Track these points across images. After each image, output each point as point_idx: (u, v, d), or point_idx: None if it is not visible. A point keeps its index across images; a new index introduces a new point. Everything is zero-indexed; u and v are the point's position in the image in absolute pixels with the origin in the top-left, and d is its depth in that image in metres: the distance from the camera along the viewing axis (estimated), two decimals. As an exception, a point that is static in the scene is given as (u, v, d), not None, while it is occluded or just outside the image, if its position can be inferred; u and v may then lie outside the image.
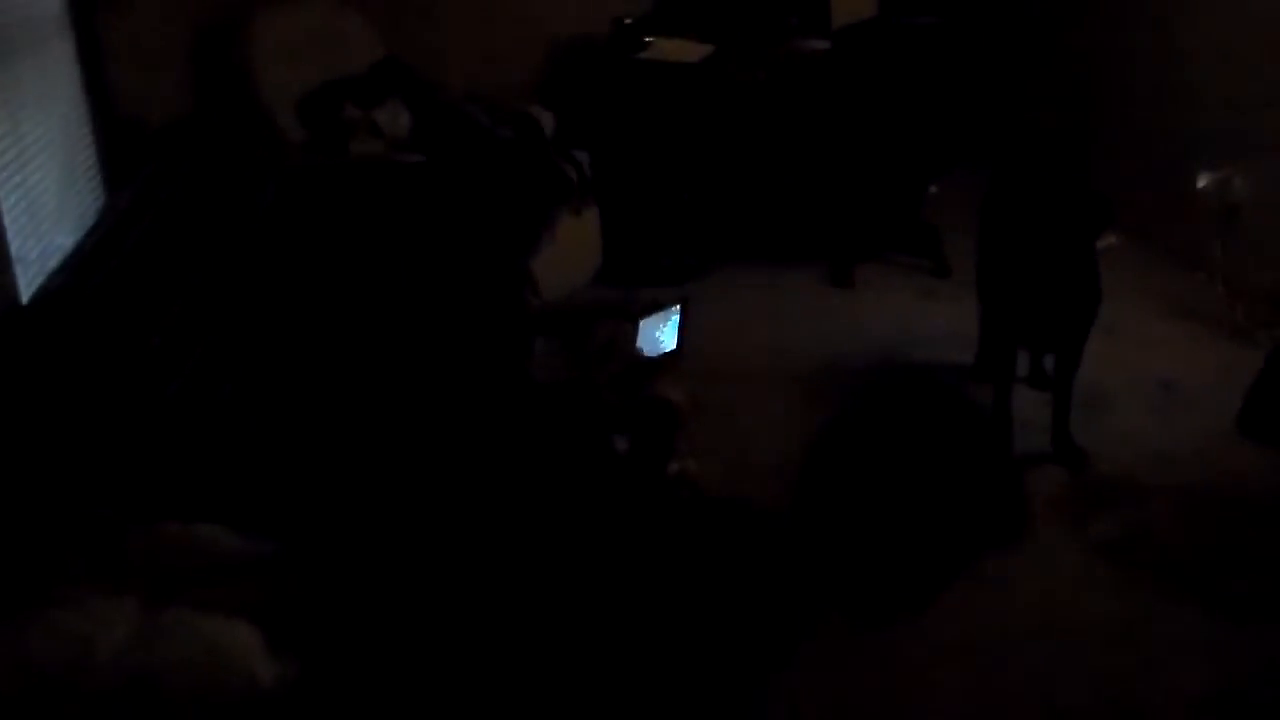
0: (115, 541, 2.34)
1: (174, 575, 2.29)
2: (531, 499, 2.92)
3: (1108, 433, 4.14)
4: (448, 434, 2.95)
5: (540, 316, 3.50)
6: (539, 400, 3.14)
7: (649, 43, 5.50)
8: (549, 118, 5.17)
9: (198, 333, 3.08)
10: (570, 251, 4.99)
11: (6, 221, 2.96)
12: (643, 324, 3.48)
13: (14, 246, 2.99)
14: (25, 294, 2.99)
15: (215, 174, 3.76)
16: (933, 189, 5.48)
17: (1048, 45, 6.29)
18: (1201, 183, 4.97)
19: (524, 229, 3.44)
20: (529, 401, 3.11)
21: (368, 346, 3.25)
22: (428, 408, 3.03)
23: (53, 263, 3.19)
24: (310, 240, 3.61)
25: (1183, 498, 3.81)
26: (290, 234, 3.60)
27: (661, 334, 3.49)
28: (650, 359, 3.50)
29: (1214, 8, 5.17)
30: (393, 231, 3.60)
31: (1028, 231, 3.86)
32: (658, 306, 3.53)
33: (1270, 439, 4.04)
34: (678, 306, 3.49)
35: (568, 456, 3.06)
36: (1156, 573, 3.46)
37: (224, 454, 2.87)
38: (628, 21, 5.52)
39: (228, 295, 3.26)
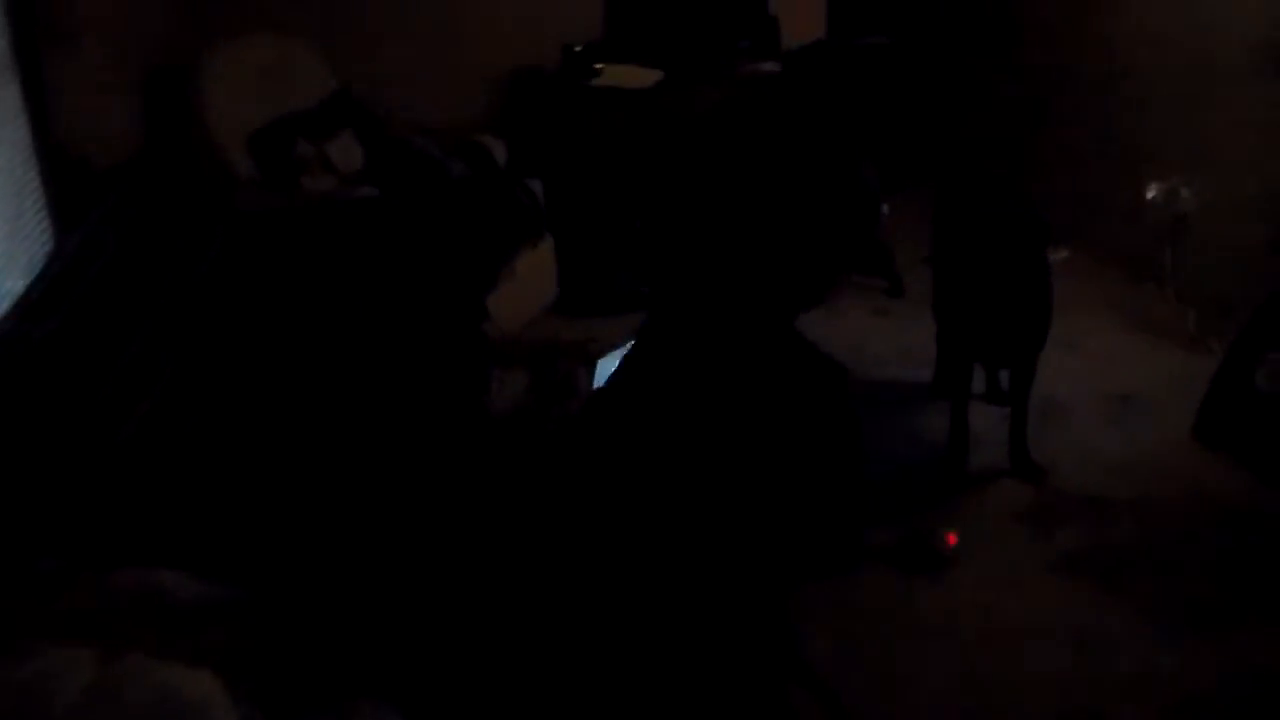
0: (70, 591, 2.31)
1: (132, 623, 2.26)
2: (489, 532, 2.92)
3: (1066, 446, 4.17)
4: (405, 469, 2.94)
5: (498, 349, 3.49)
6: (495, 434, 3.14)
7: (600, 69, 5.52)
8: (501, 147, 5.17)
9: (152, 375, 3.05)
10: (526, 281, 4.98)
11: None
12: (600, 363, 3.49)
13: (-38, 293, 2.97)
14: (-26, 341, 2.96)
15: (166, 213, 3.74)
16: (885, 208, 5.51)
17: (996, 64, 6.34)
18: (1150, 194, 5.02)
19: (483, 264, 3.44)
20: (485, 435, 3.10)
21: (325, 383, 3.23)
22: (385, 443, 3.02)
23: (2, 308, 3.16)
24: (264, 278, 3.59)
25: (1143, 508, 3.84)
26: (244, 272, 3.59)
27: None
28: None
29: (1152, 26, 5.23)
30: (347, 266, 3.59)
31: (979, 247, 3.88)
32: (613, 347, 3.53)
33: (1227, 445, 4.08)
34: (632, 343, 3.51)
35: (522, 488, 3.06)
36: (1120, 583, 3.48)
37: (181, 498, 2.84)
38: (578, 49, 5.54)
39: (182, 337, 3.24)
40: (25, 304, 3.16)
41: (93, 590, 2.34)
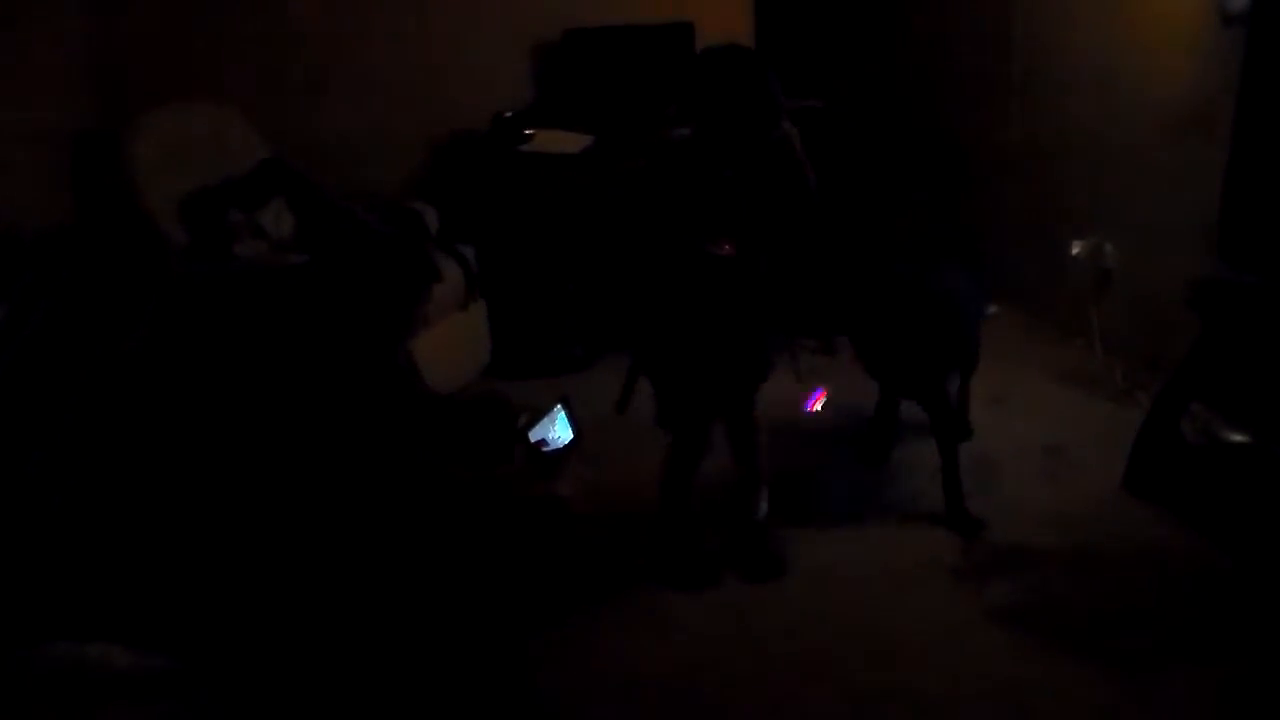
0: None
1: (64, 699, 2.22)
2: (424, 595, 2.91)
3: (999, 500, 4.20)
4: (342, 529, 2.93)
5: (432, 404, 3.49)
6: (432, 493, 3.14)
7: (530, 135, 5.55)
8: (432, 213, 5.18)
9: (82, 445, 3.02)
10: (458, 345, 4.99)
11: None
12: (531, 434, 3.50)
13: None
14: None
15: (97, 282, 3.70)
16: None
17: (921, 125, 6.44)
18: (1074, 250, 5.11)
19: (395, 311, 3.45)
20: (423, 490, 3.10)
21: (258, 448, 3.21)
22: (322, 506, 3.00)
23: (-71, 379, 3.12)
24: (197, 345, 3.57)
25: (1076, 560, 3.87)
26: (176, 340, 3.56)
27: (554, 432, 3.51)
28: (552, 452, 3.51)
29: (1071, 89, 5.35)
30: (279, 333, 3.57)
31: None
32: (539, 416, 3.54)
33: (1156, 496, 4.13)
34: (558, 406, 3.51)
35: (458, 549, 3.05)
36: (1054, 636, 3.50)
37: (113, 567, 2.81)
38: (508, 115, 5.57)
39: (113, 406, 3.21)
40: (-48, 374, 3.12)
41: (22, 665, 2.30)
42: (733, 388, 3.61)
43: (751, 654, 3.45)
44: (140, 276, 3.87)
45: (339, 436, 3.06)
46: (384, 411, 3.20)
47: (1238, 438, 3.89)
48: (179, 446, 3.16)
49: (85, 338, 3.37)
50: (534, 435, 3.48)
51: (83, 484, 2.94)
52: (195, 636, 2.62)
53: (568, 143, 5.52)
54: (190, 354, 3.45)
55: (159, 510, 2.97)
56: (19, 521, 2.73)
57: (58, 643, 2.39)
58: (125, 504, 2.98)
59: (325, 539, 2.91)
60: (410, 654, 2.84)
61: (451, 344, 4.83)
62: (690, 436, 3.67)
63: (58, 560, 2.73)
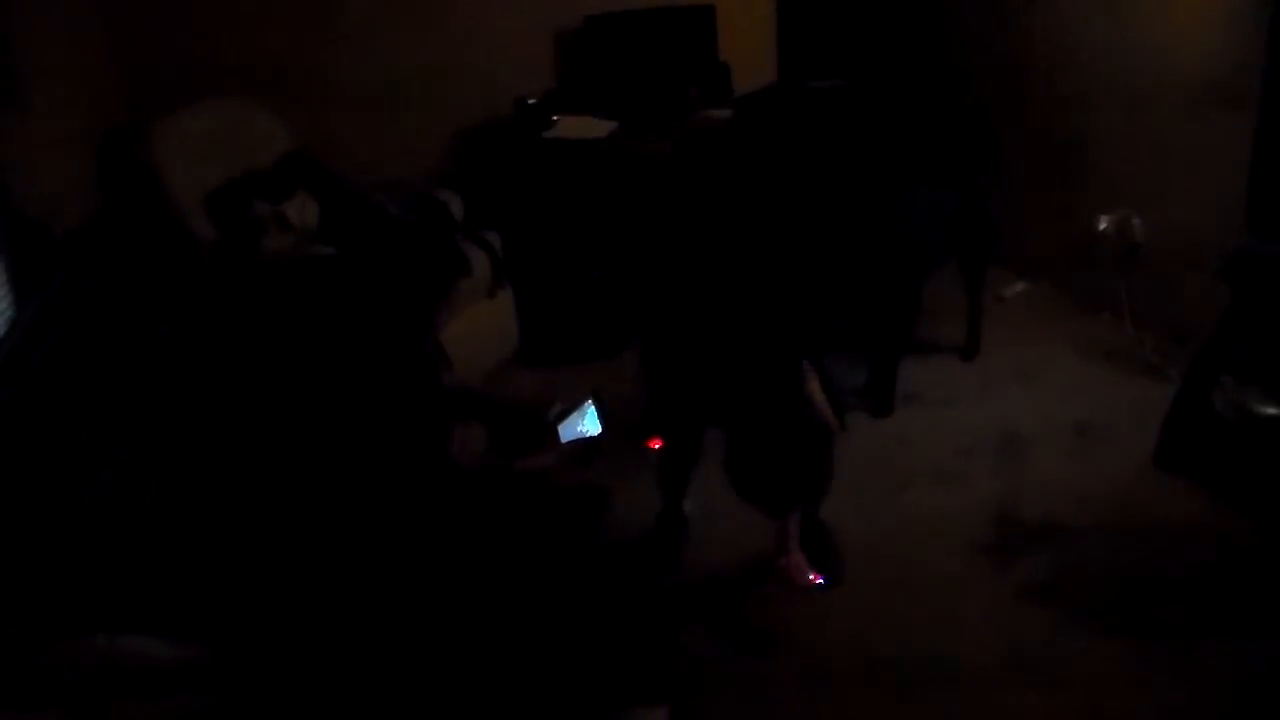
0: (37, 658, 2.29)
1: (100, 690, 2.24)
2: (459, 587, 2.92)
3: (1028, 476, 4.20)
4: (372, 523, 2.94)
5: (457, 395, 3.50)
6: (460, 485, 3.14)
7: (554, 121, 5.56)
8: (457, 201, 5.19)
9: (114, 441, 3.04)
10: (486, 333, 5.00)
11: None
12: (560, 427, 3.51)
13: (-80, 361, 2.95)
14: (-67, 410, 2.94)
15: (125, 277, 3.72)
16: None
17: (947, 102, 6.41)
18: (1102, 225, 5.08)
19: (421, 305, 3.45)
20: (450, 486, 3.11)
21: (287, 440, 3.22)
22: (350, 497, 3.01)
23: (-40, 377, 3.15)
24: (224, 338, 3.59)
25: (1106, 535, 3.86)
26: (203, 333, 3.58)
27: (583, 425, 3.52)
28: (583, 442, 3.52)
29: (1098, 61, 5.31)
30: (307, 324, 3.59)
31: None
32: (570, 409, 3.55)
33: (1187, 470, 4.11)
34: (589, 400, 3.53)
35: (488, 542, 3.06)
36: (1087, 611, 3.50)
37: (147, 560, 2.83)
38: (531, 101, 5.57)
39: (144, 401, 3.23)
40: (-16, 371, 3.15)
41: (60, 657, 2.33)
42: (726, 400, 3.57)
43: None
44: (167, 269, 3.89)
45: (367, 429, 3.07)
46: (413, 403, 3.21)
47: (1270, 410, 3.87)
48: (208, 439, 3.19)
49: (115, 330, 3.40)
50: (563, 428, 3.49)
51: (116, 478, 2.96)
52: (225, 627, 2.64)
53: (591, 128, 5.52)
54: (217, 347, 3.47)
55: (188, 501, 3.00)
56: (53, 514, 2.75)
57: (96, 634, 2.42)
58: (159, 496, 3.00)
59: (353, 532, 2.92)
60: (439, 649, 2.85)
61: (479, 332, 4.85)
62: (678, 442, 3.88)
63: (94, 551, 2.75)
